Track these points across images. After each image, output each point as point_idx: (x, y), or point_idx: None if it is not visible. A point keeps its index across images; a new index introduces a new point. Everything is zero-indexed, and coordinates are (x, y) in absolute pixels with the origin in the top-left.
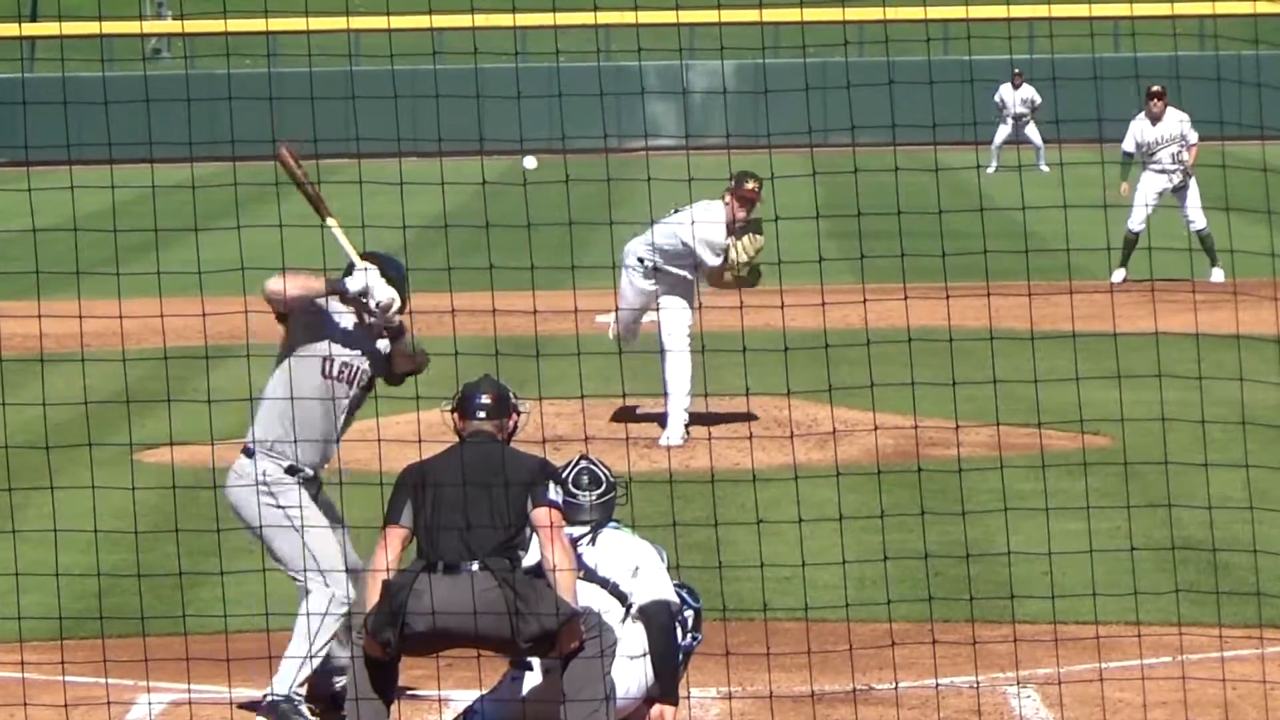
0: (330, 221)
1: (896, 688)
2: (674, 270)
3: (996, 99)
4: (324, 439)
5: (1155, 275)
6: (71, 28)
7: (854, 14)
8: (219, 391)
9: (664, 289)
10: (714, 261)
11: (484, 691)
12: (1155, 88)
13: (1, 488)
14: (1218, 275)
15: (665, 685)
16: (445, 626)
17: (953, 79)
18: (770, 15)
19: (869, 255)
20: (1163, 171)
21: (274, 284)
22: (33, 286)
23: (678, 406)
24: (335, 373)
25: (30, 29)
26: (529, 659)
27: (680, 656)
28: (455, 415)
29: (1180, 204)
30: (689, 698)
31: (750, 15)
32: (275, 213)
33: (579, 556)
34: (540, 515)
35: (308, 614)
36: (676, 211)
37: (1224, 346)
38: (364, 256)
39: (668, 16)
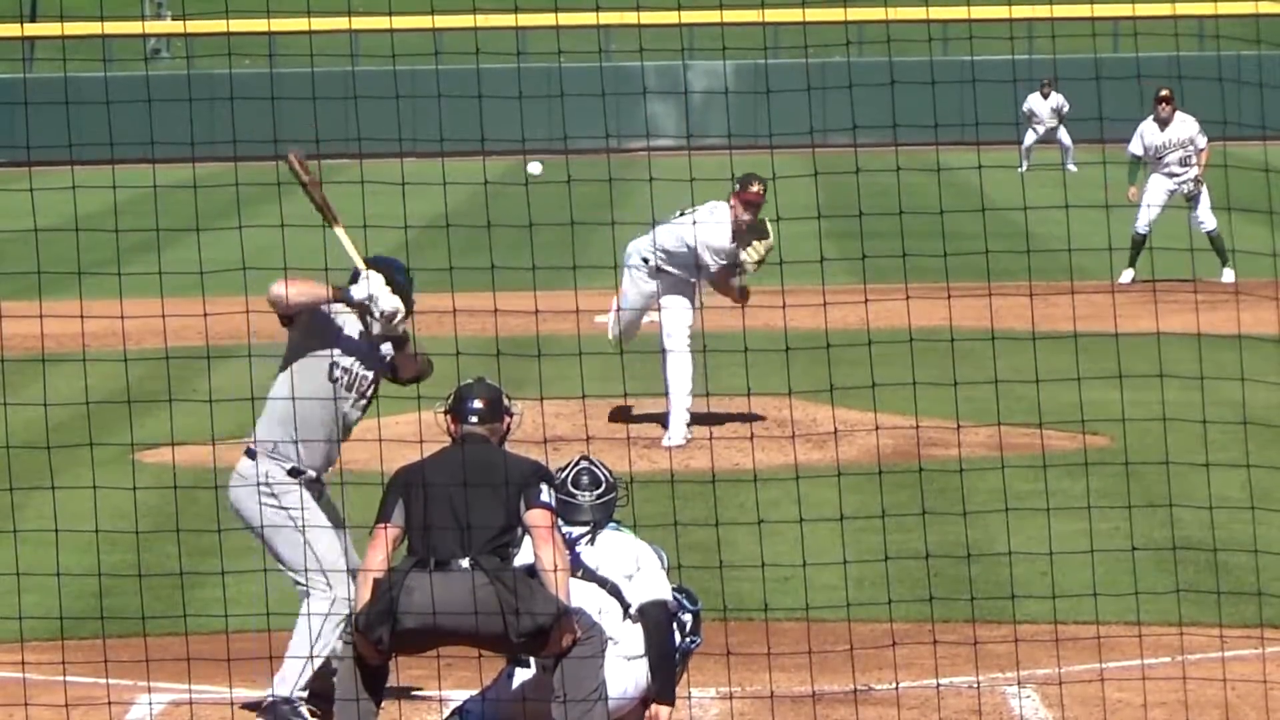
0: (338, 229)
1: (897, 688)
2: (676, 271)
3: (1026, 109)
4: (327, 441)
5: (1158, 276)
6: (72, 28)
7: (855, 14)
8: (219, 391)
9: (665, 289)
10: (716, 265)
11: (475, 691)
12: (1163, 91)
13: (2, 488)
14: (1228, 275)
15: (661, 685)
16: (437, 623)
17: (954, 79)
18: (771, 15)
19: (869, 255)
20: (1171, 175)
21: (276, 289)
22: (33, 286)
23: (679, 407)
24: (338, 377)
25: (31, 29)
26: (526, 657)
27: (677, 657)
28: (449, 417)
29: (1191, 208)
30: (689, 698)
31: (751, 15)
32: (277, 212)
33: (577, 556)
34: (534, 516)
35: (309, 614)
36: (682, 214)
37: (1225, 346)
38: (369, 262)
39: (669, 16)
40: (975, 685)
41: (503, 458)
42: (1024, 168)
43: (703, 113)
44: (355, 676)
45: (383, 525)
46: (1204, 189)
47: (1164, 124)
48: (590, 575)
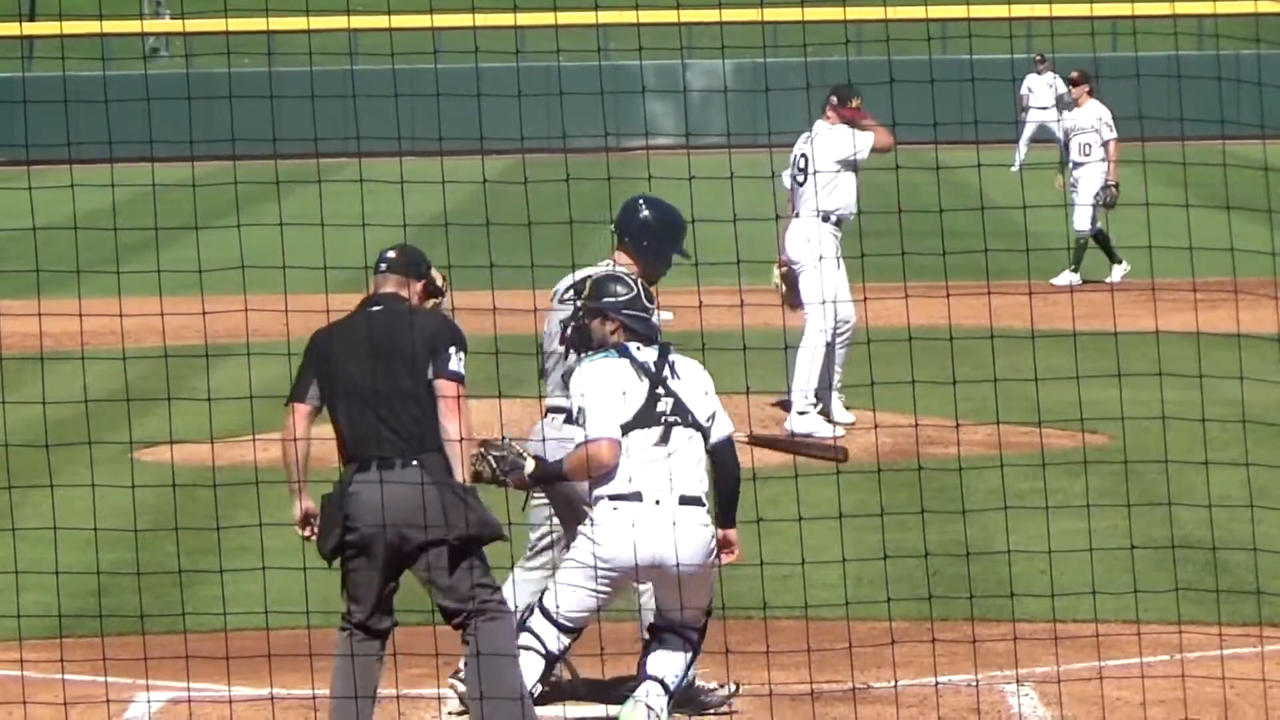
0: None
1: (895, 686)
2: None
3: (1024, 90)
4: None
5: (1156, 275)
6: (71, 27)
7: (854, 13)
8: (219, 391)
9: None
10: (866, 148)
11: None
12: (1073, 73)
13: (1, 486)
14: (1063, 279)
15: (728, 514)
16: (386, 522)
17: (953, 78)
18: (770, 15)
19: (869, 254)
20: (1074, 165)
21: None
22: (33, 285)
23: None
24: None
25: (30, 28)
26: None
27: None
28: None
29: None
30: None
31: (751, 15)
32: (275, 211)
33: (679, 402)
34: (442, 386)
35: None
36: (805, 164)
37: (1224, 346)
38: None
39: (668, 16)
40: (974, 683)
41: (410, 320)
42: (1017, 165)
43: (701, 112)
44: (353, 674)
45: (298, 403)
46: (1081, 188)
47: (1071, 106)
48: (696, 425)
